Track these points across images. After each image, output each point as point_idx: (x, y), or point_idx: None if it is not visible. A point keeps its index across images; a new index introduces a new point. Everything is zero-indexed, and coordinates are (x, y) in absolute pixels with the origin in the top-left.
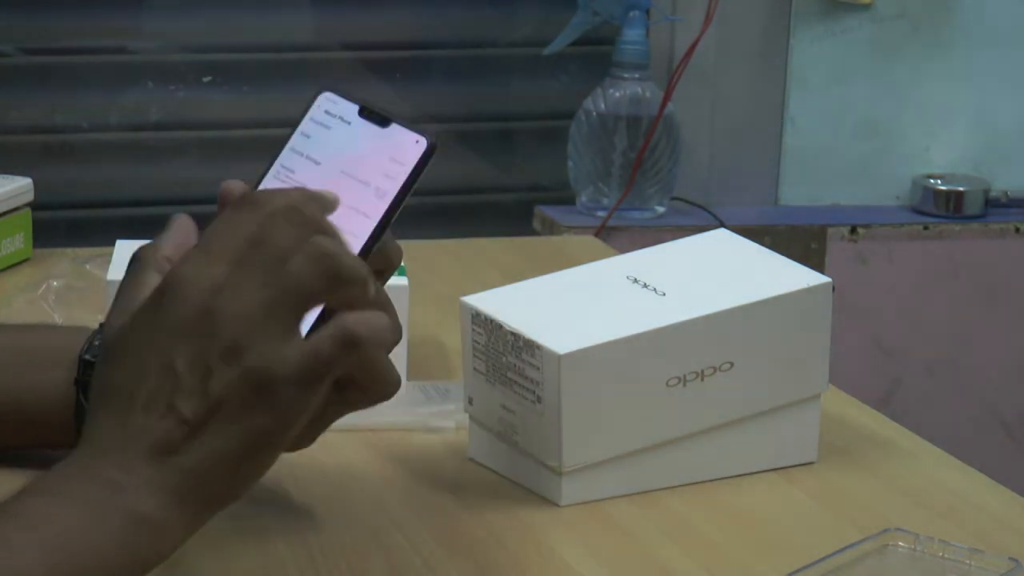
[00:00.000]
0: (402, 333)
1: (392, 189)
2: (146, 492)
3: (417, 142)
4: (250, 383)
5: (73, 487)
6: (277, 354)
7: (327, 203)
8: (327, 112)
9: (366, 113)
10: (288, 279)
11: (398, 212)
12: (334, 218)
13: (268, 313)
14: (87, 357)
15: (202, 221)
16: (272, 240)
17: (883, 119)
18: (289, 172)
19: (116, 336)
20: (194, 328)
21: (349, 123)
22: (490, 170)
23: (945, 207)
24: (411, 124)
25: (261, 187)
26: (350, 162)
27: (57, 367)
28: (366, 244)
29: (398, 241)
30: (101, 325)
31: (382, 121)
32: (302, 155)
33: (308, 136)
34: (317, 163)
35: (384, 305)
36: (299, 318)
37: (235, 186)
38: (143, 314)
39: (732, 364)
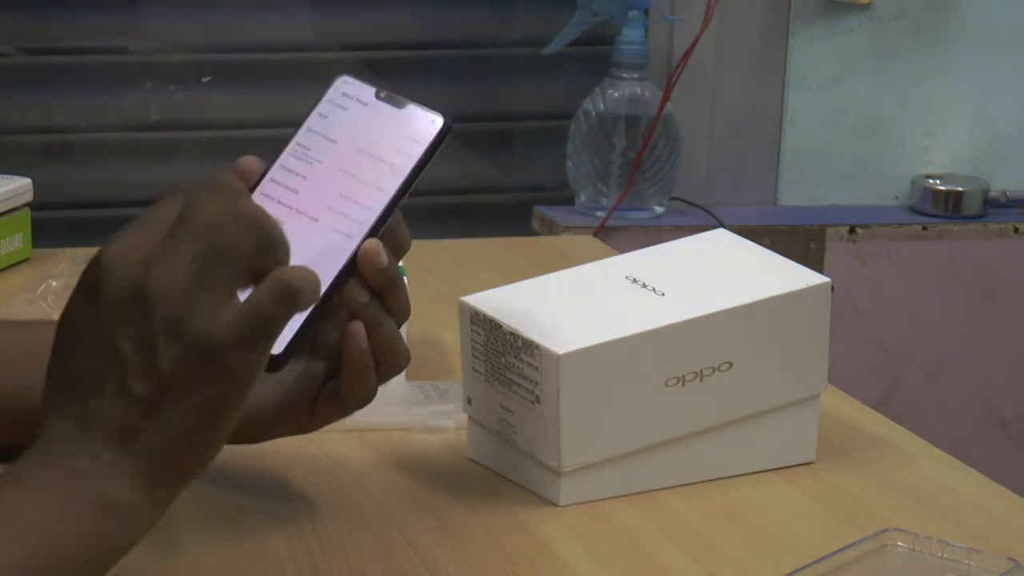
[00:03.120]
0: (410, 312)
1: (407, 165)
2: (112, 478)
3: (433, 121)
4: (197, 354)
5: (41, 477)
6: (217, 321)
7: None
8: (344, 94)
9: (383, 95)
10: (217, 243)
11: (411, 188)
12: (350, 191)
13: (202, 282)
14: None
15: None
16: (198, 213)
17: (882, 119)
18: (306, 150)
19: (58, 325)
20: (131, 306)
21: (366, 104)
22: (490, 170)
23: (944, 207)
24: (427, 105)
25: (279, 164)
26: (366, 140)
27: None
28: (380, 216)
29: None
30: None
31: (398, 102)
32: (319, 134)
33: (325, 116)
34: (333, 141)
35: (396, 281)
36: (234, 283)
37: (253, 161)
38: (78, 300)
39: (731, 364)
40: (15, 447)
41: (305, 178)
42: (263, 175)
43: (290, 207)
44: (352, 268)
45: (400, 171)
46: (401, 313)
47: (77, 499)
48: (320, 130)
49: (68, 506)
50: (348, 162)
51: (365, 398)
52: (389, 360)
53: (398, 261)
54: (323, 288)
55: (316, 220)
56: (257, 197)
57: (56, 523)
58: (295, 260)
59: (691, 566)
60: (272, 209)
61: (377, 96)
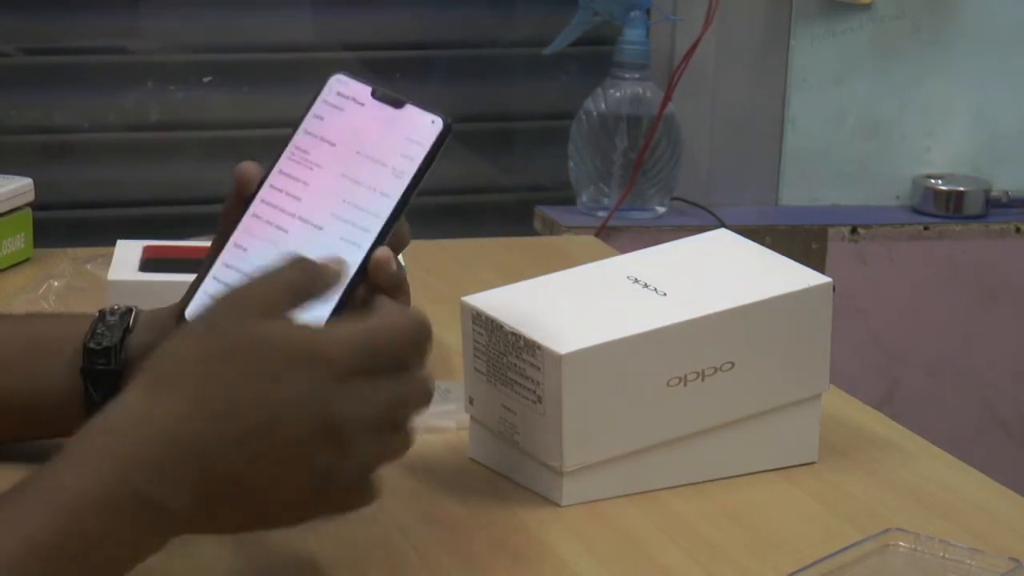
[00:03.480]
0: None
1: (410, 169)
2: (171, 516)
3: (433, 122)
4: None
5: (113, 497)
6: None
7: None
8: (339, 94)
9: (379, 95)
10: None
11: (416, 191)
12: (353, 196)
13: (381, 427)
14: (91, 345)
15: (203, 222)
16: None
17: (883, 119)
18: (304, 154)
19: (247, 340)
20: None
21: (363, 104)
22: (490, 170)
23: (945, 207)
24: (426, 105)
25: (277, 169)
26: (366, 143)
27: (60, 356)
28: (386, 223)
29: None
30: (102, 312)
31: (396, 102)
32: (316, 137)
33: (322, 118)
34: (332, 144)
35: (402, 281)
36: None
37: (251, 167)
38: (296, 368)
39: (733, 364)
40: (12, 441)
41: (307, 184)
42: (263, 180)
43: (293, 215)
44: (362, 275)
45: (403, 175)
46: None
47: (147, 534)
48: (317, 133)
49: (135, 541)
50: (349, 166)
51: None
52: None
53: (397, 255)
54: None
55: (321, 228)
56: (259, 205)
57: (111, 552)
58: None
59: (692, 566)
60: (276, 218)
61: (374, 95)
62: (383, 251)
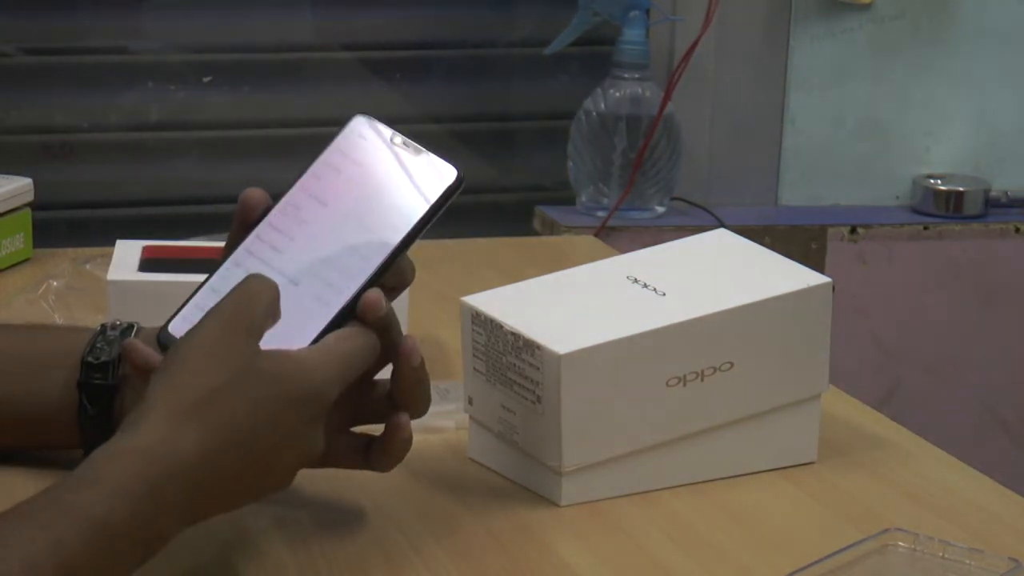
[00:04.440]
0: (401, 339)
1: (414, 216)
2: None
3: (445, 174)
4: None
5: (126, 521)
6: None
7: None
8: (360, 135)
9: (398, 140)
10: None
11: (418, 238)
12: (356, 234)
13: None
14: (89, 359)
15: (202, 222)
16: None
17: (883, 119)
18: (316, 188)
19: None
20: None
21: (381, 148)
22: (490, 170)
23: (945, 207)
24: (442, 156)
25: (286, 200)
26: (376, 185)
27: (58, 369)
28: (382, 264)
29: None
30: (103, 326)
31: (413, 150)
32: (330, 173)
33: (338, 155)
34: (344, 183)
35: (390, 322)
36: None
37: (256, 193)
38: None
39: (732, 364)
40: (16, 449)
41: (309, 219)
42: (271, 207)
43: (292, 239)
44: (350, 312)
45: (407, 221)
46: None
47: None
48: (332, 168)
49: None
50: (355, 206)
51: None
52: (419, 405)
53: (398, 295)
54: (317, 333)
55: (317, 258)
56: (263, 227)
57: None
58: (290, 296)
59: (691, 566)
60: (277, 240)
61: (392, 140)
62: (374, 292)
